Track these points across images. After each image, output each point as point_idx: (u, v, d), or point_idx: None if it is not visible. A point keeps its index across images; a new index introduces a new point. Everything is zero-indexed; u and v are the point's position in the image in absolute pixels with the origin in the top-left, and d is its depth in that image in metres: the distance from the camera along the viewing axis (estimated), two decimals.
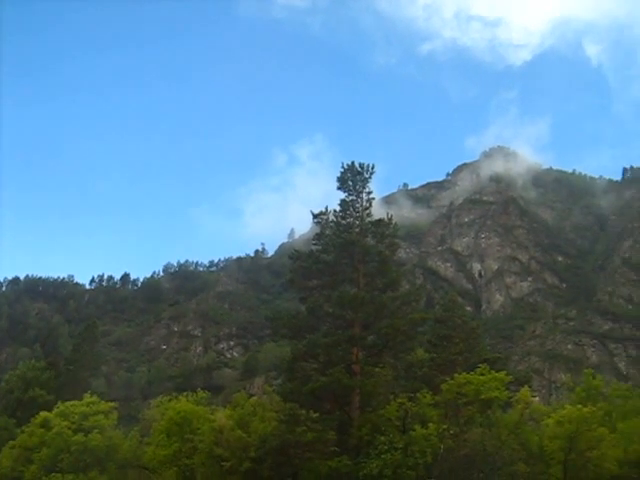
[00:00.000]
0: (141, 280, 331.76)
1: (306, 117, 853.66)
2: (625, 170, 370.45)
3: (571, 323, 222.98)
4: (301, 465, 44.22)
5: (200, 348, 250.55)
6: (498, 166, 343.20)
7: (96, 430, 58.20)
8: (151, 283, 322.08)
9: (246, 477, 46.21)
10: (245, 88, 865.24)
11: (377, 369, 48.09)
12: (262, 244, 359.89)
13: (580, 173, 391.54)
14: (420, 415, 43.05)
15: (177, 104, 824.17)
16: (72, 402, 63.87)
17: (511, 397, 46.48)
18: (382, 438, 42.16)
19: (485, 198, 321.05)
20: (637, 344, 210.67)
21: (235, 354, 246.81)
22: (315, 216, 54.25)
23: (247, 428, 48.36)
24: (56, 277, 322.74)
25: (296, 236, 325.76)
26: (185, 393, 63.20)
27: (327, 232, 53.49)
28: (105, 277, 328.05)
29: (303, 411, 44.20)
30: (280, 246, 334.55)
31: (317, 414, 44.69)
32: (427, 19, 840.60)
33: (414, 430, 41.27)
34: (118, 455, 58.93)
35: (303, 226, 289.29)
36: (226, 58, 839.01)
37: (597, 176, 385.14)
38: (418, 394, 44.24)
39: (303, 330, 50.83)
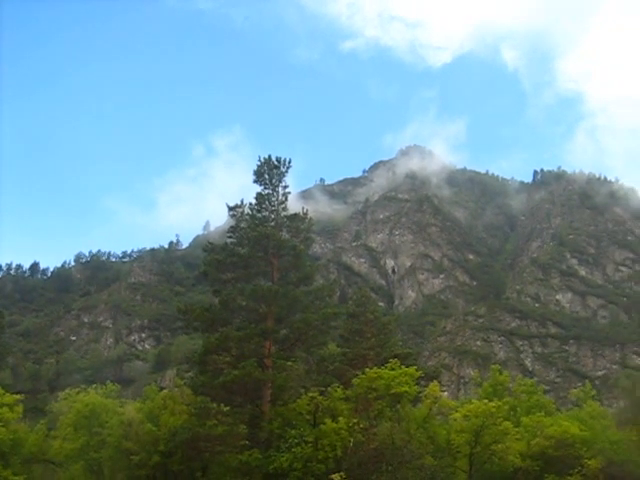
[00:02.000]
0: (51, 269, 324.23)
1: (225, 108, 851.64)
2: (536, 173, 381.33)
3: (480, 320, 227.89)
4: (211, 459, 44.00)
5: (111, 340, 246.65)
6: (414, 164, 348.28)
7: (0, 423, 56.57)
8: (61, 273, 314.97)
9: (155, 471, 45.74)
10: (166, 76, 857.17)
11: (289, 363, 48.11)
12: (177, 236, 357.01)
13: (493, 174, 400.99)
14: (331, 409, 43.27)
15: (96, 91, 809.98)
16: None
17: (421, 392, 47.16)
18: (293, 432, 42.27)
19: (400, 196, 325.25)
20: (543, 341, 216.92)
21: (147, 346, 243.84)
22: (230, 209, 53.93)
23: (157, 421, 47.84)
24: None
25: (211, 228, 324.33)
26: (94, 385, 62.10)
27: (242, 225, 53.21)
28: (13, 265, 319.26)
29: (214, 404, 43.92)
30: (195, 238, 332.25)
31: (228, 407, 44.47)
32: (350, 17, 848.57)
33: (324, 424, 41.49)
34: (23, 449, 57.38)
35: (219, 218, 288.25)
36: (149, 46, 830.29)
37: (509, 178, 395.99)
38: (329, 388, 44.49)
39: (216, 323, 50.47)
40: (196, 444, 43.20)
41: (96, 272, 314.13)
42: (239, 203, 53.89)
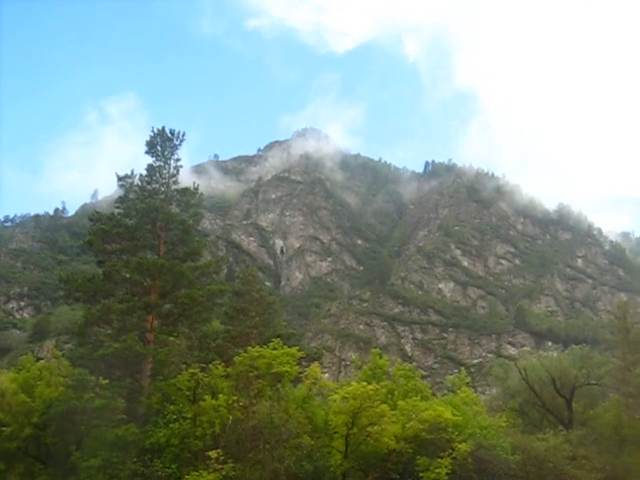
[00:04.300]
0: None
1: (121, 74, 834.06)
2: (427, 164, 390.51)
3: (364, 304, 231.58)
4: (87, 432, 43.16)
5: None
6: (309, 146, 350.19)
7: None
8: None
9: (27, 443, 44.62)
10: (62, 38, 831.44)
11: (171, 338, 47.58)
12: (63, 203, 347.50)
13: (386, 162, 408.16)
14: (211, 386, 43.12)
15: None
16: None
17: (302, 372, 47.52)
18: (171, 407, 41.94)
19: (293, 177, 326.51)
20: (423, 328, 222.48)
21: (25, 315, 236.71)
22: (120, 178, 52.78)
23: (32, 393, 46.59)
24: None
25: (100, 197, 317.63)
26: None
27: (131, 196, 52.22)
28: None
29: (92, 377, 43.17)
30: (82, 206, 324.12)
31: (107, 381, 43.79)
32: None
33: (204, 400, 41.36)
34: None
35: (108, 188, 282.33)
36: (52, 9, 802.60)
37: (401, 167, 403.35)
38: (210, 365, 44.37)
39: (98, 294, 49.41)
40: (71, 417, 42.36)
41: None
42: (129, 173, 52.83)
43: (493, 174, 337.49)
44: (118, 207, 52.50)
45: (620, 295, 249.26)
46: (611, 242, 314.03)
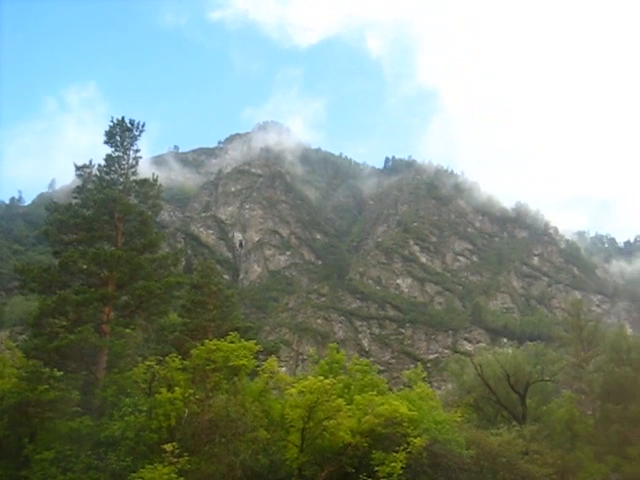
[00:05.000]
0: None
1: (82, 63, 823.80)
2: (387, 160, 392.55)
3: (322, 299, 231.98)
4: (40, 425, 42.63)
5: None
6: (270, 139, 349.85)
7: None
8: None
9: None
10: (24, 25, 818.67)
11: (128, 330, 47.25)
12: (19, 192, 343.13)
13: (346, 157, 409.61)
14: (167, 379, 42.82)
15: None
16: None
17: (259, 366, 47.48)
18: (127, 400, 41.58)
19: (254, 170, 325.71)
20: (380, 323, 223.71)
21: None
22: (78, 168, 52.16)
23: None
24: None
25: (57, 187, 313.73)
26: None
27: (89, 186, 51.68)
28: None
29: (47, 369, 42.64)
30: (39, 195, 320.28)
31: (62, 373, 43.28)
32: None
33: (160, 393, 41.08)
34: None
35: (66, 177, 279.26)
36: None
37: (361, 162, 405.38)
38: (167, 358, 44.07)
39: (54, 285, 48.80)
40: (25, 409, 41.76)
41: None
42: (87, 163, 52.25)
43: (452, 171, 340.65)
44: (76, 197, 51.91)
45: (574, 293, 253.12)
46: (567, 241, 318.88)
